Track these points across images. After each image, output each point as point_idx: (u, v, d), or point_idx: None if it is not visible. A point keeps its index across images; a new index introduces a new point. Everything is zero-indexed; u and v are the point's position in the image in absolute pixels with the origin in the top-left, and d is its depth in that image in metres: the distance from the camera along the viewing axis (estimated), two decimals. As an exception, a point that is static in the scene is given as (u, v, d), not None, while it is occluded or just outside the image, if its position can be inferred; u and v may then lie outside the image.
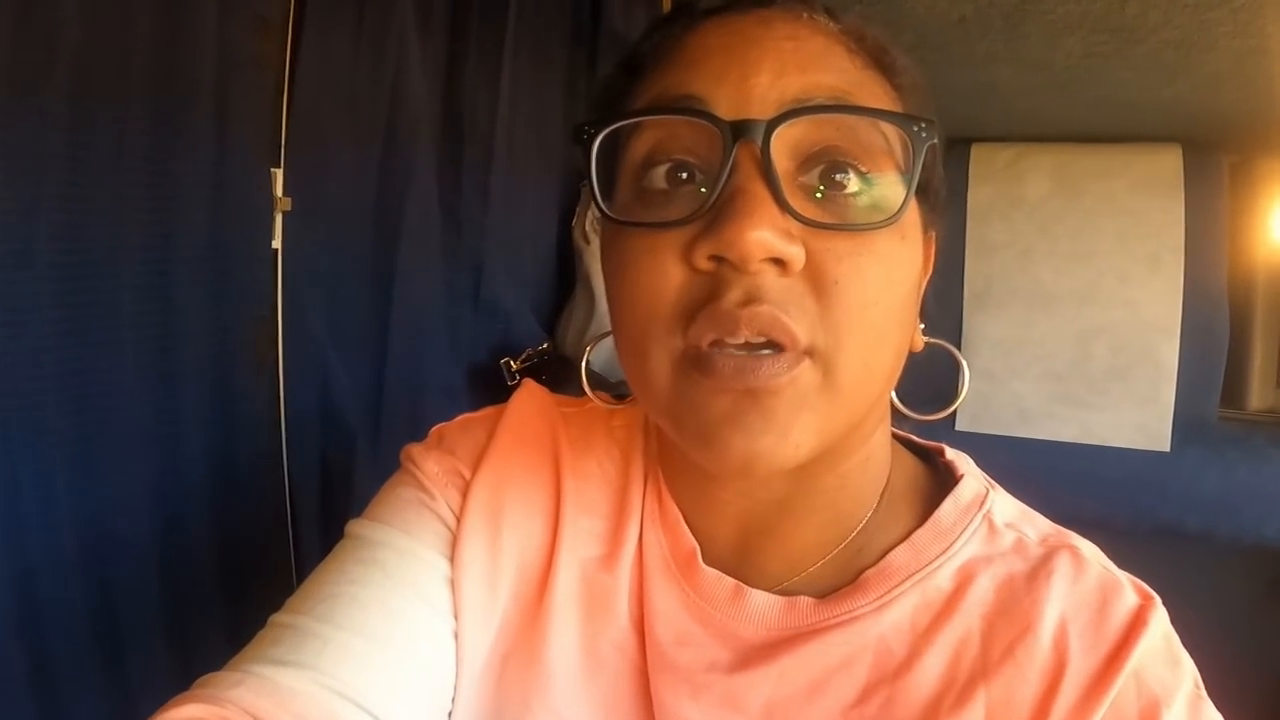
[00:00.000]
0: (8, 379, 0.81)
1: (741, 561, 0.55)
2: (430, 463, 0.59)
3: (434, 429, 0.64)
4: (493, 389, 1.47)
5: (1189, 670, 0.49)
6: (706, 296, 0.44)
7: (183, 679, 1.02)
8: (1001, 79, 1.33)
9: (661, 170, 0.47)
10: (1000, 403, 1.60)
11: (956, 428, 1.61)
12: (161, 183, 0.94)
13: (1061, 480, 1.51)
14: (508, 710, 0.55)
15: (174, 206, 0.96)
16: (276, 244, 1.10)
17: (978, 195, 1.61)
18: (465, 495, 0.57)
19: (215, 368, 1.03)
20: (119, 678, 0.94)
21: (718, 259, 0.43)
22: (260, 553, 1.12)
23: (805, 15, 0.49)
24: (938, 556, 0.52)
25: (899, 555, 0.53)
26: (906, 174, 0.46)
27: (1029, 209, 1.59)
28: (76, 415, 0.88)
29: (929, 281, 0.55)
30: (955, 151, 1.63)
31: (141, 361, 0.94)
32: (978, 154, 1.63)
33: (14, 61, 0.78)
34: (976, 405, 1.61)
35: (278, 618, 0.51)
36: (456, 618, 0.54)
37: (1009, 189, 1.60)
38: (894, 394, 0.55)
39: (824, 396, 0.45)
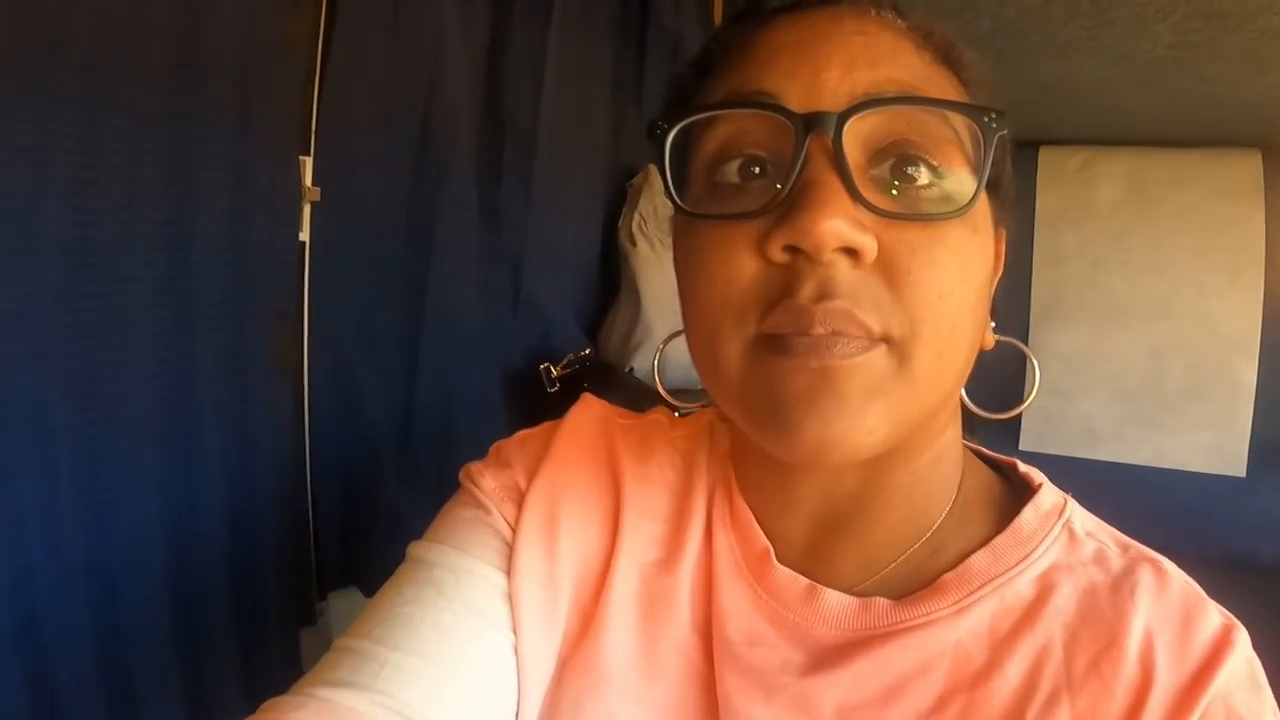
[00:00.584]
0: (7, 373, 0.77)
1: (815, 561, 0.55)
2: (487, 479, 0.60)
3: (493, 446, 0.65)
4: (531, 396, 1.43)
5: (1270, 699, 0.48)
6: (780, 291, 0.45)
7: (195, 700, 1.01)
8: (1078, 72, 1.25)
9: (734, 165, 0.48)
10: (1067, 421, 1.52)
11: (1020, 447, 1.53)
12: (180, 169, 0.90)
13: (1128, 505, 1.40)
14: (561, 713, 0.55)
15: (193, 194, 0.92)
16: (304, 236, 1.06)
17: (1046, 201, 1.54)
18: (520, 507, 0.58)
19: (234, 367, 0.98)
20: (126, 698, 0.90)
21: (792, 250, 0.44)
22: (280, 566, 1.07)
23: (873, 12, 0.50)
24: (1018, 563, 0.52)
25: (979, 560, 0.53)
26: (977, 167, 0.47)
27: (1101, 216, 1.51)
28: (82, 414, 0.84)
29: (998, 283, 0.56)
30: (1023, 155, 1.55)
31: (154, 359, 0.89)
32: (1046, 158, 1.55)
33: (22, 36, 0.74)
34: (1041, 423, 1.53)
35: (340, 641, 0.52)
36: (517, 631, 0.55)
37: (1080, 195, 1.52)
38: (963, 392, 0.55)
39: (898, 382, 0.45)
